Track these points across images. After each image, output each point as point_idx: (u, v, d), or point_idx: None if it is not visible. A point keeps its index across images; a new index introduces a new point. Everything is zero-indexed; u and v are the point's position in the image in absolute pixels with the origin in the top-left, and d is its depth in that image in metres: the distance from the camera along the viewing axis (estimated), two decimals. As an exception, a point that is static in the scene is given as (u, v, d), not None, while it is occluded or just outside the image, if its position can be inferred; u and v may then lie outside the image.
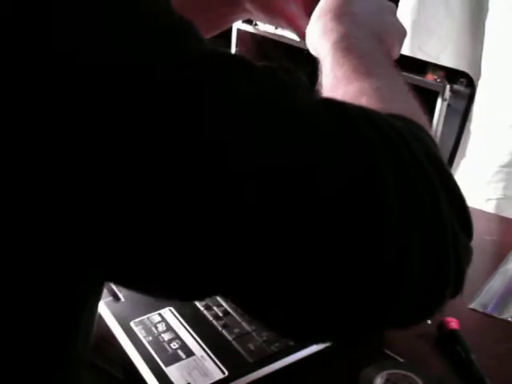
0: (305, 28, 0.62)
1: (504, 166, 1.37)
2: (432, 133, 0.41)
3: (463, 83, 0.53)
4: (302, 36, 0.66)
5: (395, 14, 0.54)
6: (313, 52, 0.54)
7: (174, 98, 0.29)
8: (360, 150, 0.32)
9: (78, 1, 0.29)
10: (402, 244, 0.32)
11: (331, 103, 0.35)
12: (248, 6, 0.65)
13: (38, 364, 0.36)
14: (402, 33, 0.54)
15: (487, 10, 1.34)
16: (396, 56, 0.52)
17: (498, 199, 1.39)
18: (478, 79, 1.37)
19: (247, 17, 0.70)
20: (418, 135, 0.37)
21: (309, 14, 0.65)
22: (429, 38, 1.39)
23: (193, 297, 0.36)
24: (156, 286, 0.34)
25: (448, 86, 0.56)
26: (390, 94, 0.43)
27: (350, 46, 0.47)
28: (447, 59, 1.39)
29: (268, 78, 0.34)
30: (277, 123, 0.31)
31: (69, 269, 0.32)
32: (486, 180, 1.40)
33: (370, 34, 0.50)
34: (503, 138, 1.35)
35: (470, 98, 0.53)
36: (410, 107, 0.43)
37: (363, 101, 0.41)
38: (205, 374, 0.59)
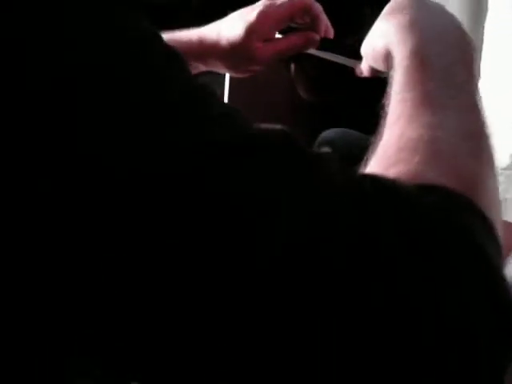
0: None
1: (504, 169, 1.35)
2: (495, 204, 0.35)
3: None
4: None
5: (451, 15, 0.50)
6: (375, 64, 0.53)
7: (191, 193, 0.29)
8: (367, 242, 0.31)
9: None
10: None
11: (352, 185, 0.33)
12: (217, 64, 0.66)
13: None
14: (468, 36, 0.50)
15: (486, 10, 1.33)
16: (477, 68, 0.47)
17: (499, 202, 1.37)
18: (478, 80, 1.36)
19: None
20: (457, 218, 0.33)
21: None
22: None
23: None
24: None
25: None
26: (451, 147, 0.39)
27: (424, 63, 0.45)
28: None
29: (295, 155, 0.33)
30: (305, 205, 0.30)
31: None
32: (485, 183, 1.38)
33: (449, 45, 0.47)
34: (503, 139, 1.34)
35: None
36: (470, 165, 0.38)
37: (414, 159, 0.38)
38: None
